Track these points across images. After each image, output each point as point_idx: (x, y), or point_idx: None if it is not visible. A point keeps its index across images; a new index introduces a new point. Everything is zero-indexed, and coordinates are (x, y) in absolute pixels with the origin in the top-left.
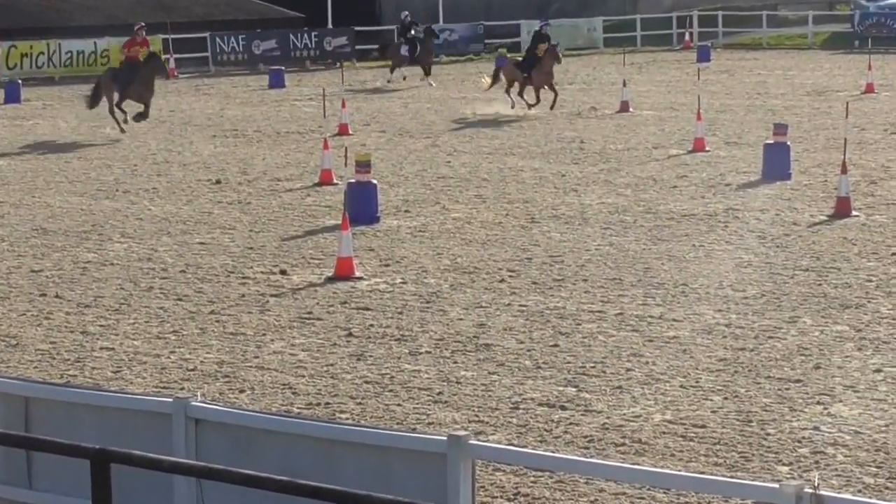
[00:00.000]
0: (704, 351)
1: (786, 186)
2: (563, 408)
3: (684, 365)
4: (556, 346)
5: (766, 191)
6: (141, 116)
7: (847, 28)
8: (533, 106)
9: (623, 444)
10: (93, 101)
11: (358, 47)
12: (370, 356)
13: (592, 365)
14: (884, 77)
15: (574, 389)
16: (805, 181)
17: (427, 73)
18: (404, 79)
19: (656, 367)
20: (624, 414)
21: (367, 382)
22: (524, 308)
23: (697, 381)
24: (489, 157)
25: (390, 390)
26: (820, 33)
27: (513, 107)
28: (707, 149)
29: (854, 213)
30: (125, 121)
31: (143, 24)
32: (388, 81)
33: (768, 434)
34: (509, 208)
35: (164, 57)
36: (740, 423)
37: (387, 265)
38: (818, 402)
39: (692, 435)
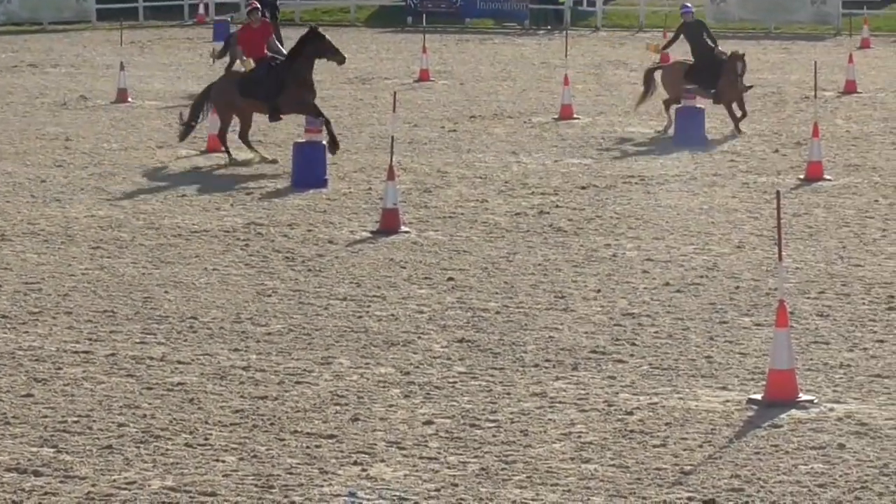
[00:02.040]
0: (216, 400)
1: (320, 195)
2: (36, 473)
3: (191, 418)
4: (29, 395)
5: (296, 201)
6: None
7: (398, 2)
8: (739, 127)
9: None
10: (187, 130)
11: None
12: None
13: (76, 419)
14: (441, 61)
15: (51, 450)
16: (344, 189)
17: None
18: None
19: (156, 422)
20: (114, 480)
21: None
22: None
23: (207, 439)
24: None
25: None
26: (365, 7)
27: (668, 130)
28: (223, 149)
29: (404, 228)
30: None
31: (255, 2)
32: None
33: (293, 502)
34: None
35: None
36: (259, 489)
37: None
38: (355, 462)
39: None
